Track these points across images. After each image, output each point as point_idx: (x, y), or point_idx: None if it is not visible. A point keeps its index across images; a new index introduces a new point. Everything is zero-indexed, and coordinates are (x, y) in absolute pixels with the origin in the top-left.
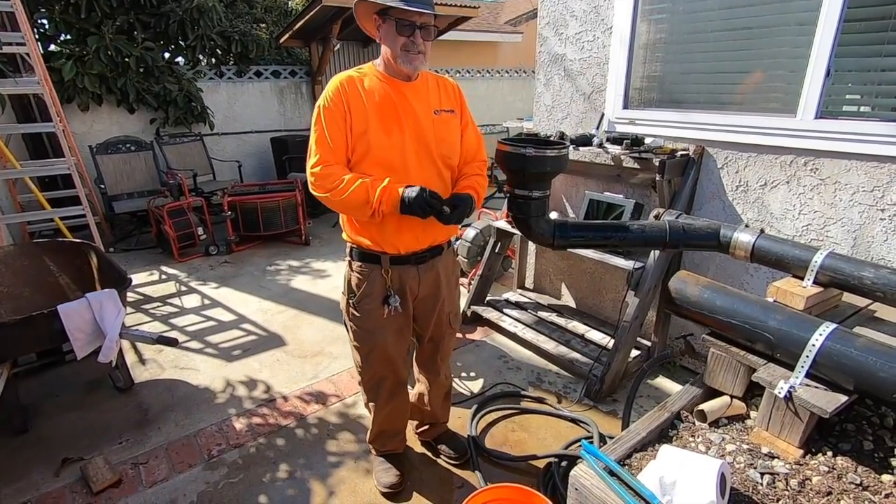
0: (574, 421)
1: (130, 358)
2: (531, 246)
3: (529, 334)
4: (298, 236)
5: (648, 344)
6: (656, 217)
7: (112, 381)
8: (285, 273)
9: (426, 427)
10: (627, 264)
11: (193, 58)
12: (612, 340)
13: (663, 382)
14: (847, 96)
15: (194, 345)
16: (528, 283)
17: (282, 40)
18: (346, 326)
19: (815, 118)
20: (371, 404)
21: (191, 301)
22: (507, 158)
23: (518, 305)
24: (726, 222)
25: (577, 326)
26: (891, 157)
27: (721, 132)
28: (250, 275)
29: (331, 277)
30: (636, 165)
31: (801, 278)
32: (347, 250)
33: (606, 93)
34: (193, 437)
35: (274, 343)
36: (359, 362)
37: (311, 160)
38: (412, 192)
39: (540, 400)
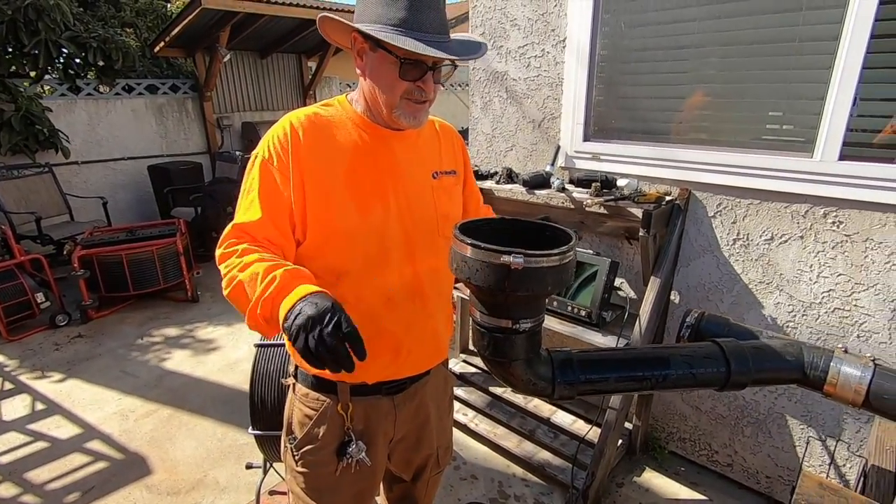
0: None
1: None
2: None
3: (484, 426)
4: (183, 291)
5: (630, 427)
6: (695, 329)
7: None
8: (161, 347)
9: None
10: (607, 341)
11: (36, 69)
12: (588, 426)
13: (653, 479)
14: (879, 131)
15: (6, 490)
16: (472, 344)
17: (156, 49)
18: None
19: (838, 159)
20: None
21: (15, 407)
22: (472, 269)
23: (464, 379)
24: (754, 318)
25: (539, 406)
26: None
27: (712, 173)
28: (111, 354)
29: (222, 350)
30: (605, 211)
31: None
32: (291, 368)
33: (562, 121)
34: None
35: (134, 472)
36: None
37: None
38: (308, 310)
39: None
